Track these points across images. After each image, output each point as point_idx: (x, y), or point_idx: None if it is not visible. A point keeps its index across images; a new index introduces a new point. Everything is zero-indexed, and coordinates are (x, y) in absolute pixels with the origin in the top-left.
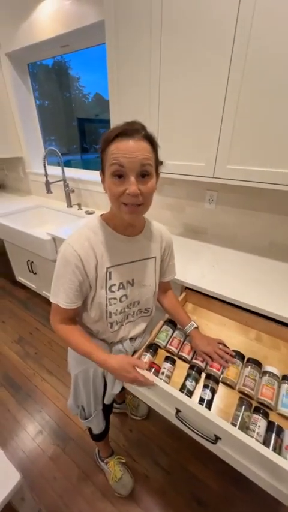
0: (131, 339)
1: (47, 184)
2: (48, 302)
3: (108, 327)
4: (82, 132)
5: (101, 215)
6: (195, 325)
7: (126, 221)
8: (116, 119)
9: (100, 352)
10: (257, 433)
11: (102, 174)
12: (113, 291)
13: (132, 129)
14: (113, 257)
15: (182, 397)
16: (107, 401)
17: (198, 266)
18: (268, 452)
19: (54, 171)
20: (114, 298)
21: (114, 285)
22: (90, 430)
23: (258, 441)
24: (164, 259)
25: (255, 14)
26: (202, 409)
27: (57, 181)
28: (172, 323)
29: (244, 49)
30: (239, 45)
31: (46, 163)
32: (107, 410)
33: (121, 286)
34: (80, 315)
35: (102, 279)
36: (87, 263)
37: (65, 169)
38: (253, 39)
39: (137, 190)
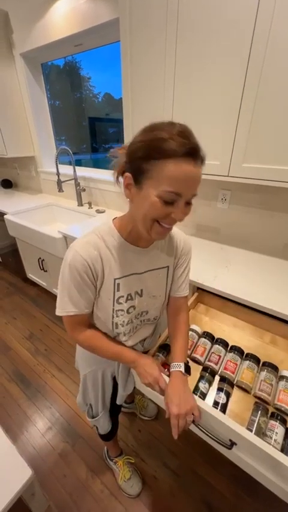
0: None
1: (59, 183)
2: None
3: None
4: (93, 132)
5: (113, 220)
6: (180, 369)
7: (147, 237)
8: (129, 117)
9: (129, 352)
10: (275, 440)
11: (135, 181)
12: (121, 303)
13: (196, 149)
14: (122, 268)
15: (196, 399)
16: (118, 401)
17: (211, 266)
18: None
19: (66, 170)
20: (122, 310)
21: (122, 296)
22: (98, 429)
23: (276, 448)
24: (178, 268)
25: (275, 13)
26: (217, 413)
27: (68, 180)
28: None
29: (263, 46)
30: (257, 41)
31: (58, 162)
32: (115, 410)
33: (129, 297)
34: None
35: (110, 290)
36: (95, 270)
37: (76, 168)
38: (272, 37)
39: (184, 217)
